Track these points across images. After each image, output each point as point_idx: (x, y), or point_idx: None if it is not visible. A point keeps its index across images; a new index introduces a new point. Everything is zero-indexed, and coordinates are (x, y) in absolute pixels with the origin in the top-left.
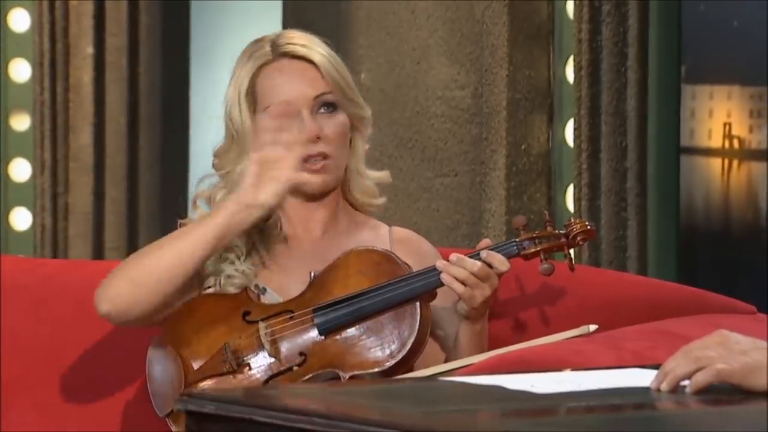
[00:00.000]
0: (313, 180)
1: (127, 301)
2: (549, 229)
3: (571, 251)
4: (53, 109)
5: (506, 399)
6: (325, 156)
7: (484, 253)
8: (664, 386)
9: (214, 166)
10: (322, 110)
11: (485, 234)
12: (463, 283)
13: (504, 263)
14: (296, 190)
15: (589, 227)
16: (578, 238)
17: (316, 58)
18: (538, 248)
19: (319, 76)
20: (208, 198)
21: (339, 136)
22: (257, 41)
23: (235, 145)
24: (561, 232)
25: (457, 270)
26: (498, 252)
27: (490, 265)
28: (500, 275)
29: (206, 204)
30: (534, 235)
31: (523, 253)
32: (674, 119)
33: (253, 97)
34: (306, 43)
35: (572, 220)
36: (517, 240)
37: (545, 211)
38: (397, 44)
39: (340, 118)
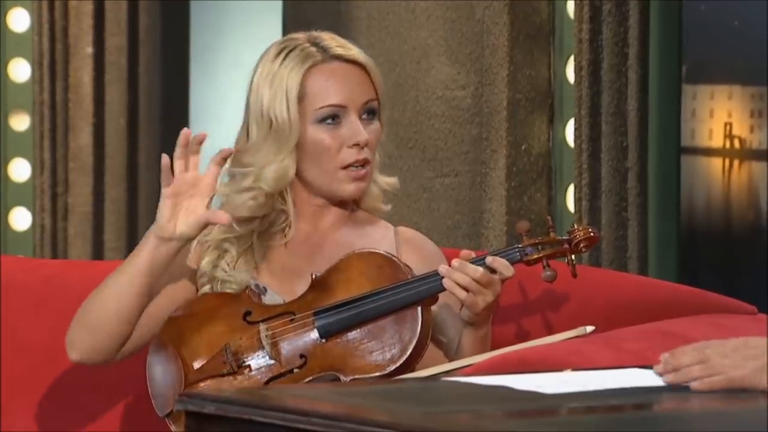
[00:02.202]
0: (351, 190)
1: (90, 348)
2: (552, 235)
3: (573, 257)
4: (53, 109)
5: (508, 399)
6: (366, 162)
7: (489, 259)
8: (671, 378)
9: (237, 161)
10: (364, 116)
11: (485, 234)
12: (465, 288)
13: (508, 268)
14: (329, 195)
15: (592, 234)
16: (581, 245)
17: (368, 62)
18: (541, 255)
19: (368, 82)
20: (224, 196)
21: (376, 143)
22: (290, 39)
23: (272, 140)
24: (564, 238)
25: (459, 276)
26: (501, 257)
27: (493, 270)
28: (504, 281)
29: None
30: (537, 242)
31: (526, 259)
32: (675, 119)
33: (301, 95)
34: (350, 46)
35: (575, 227)
36: (520, 246)
37: (549, 217)
38: (398, 44)
39: (377, 124)
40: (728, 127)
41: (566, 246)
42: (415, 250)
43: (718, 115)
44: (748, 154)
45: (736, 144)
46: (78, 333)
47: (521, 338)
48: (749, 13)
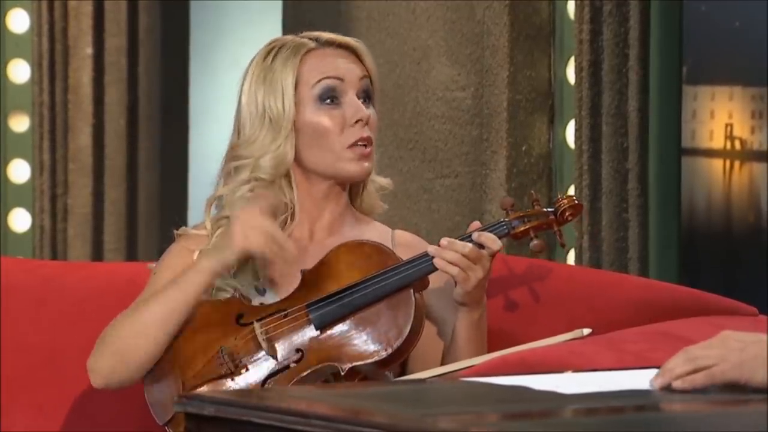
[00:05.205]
0: (358, 169)
1: (119, 376)
2: (537, 207)
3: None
4: (52, 110)
5: (508, 400)
6: (370, 141)
7: (475, 235)
8: (658, 382)
9: (235, 155)
10: (361, 99)
11: None
12: (455, 265)
13: (495, 242)
14: (335, 177)
15: (576, 202)
16: (567, 214)
17: (360, 47)
18: (528, 226)
19: (362, 64)
20: (220, 198)
21: (375, 125)
22: (279, 39)
23: (268, 130)
24: (549, 209)
25: (449, 253)
26: (488, 232)
27: (481, 245)
28: (492, 255)
29: (214, 207)
30: (522, 214)
31: (513, 232)
32: (675, 120)
33: (296, 82)
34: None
35: (559, 197)
36: (506, 220)
37: (532, 191)
38: (398, 45)
39: (374, 111)
40: (729, 128)
41: (552, 217)
42: (411, 254)
43: (718, 116)
44: (748, 155)
45: (737, 145)
46: (106, 360)
47: (521, 339)
48: (750, 13)
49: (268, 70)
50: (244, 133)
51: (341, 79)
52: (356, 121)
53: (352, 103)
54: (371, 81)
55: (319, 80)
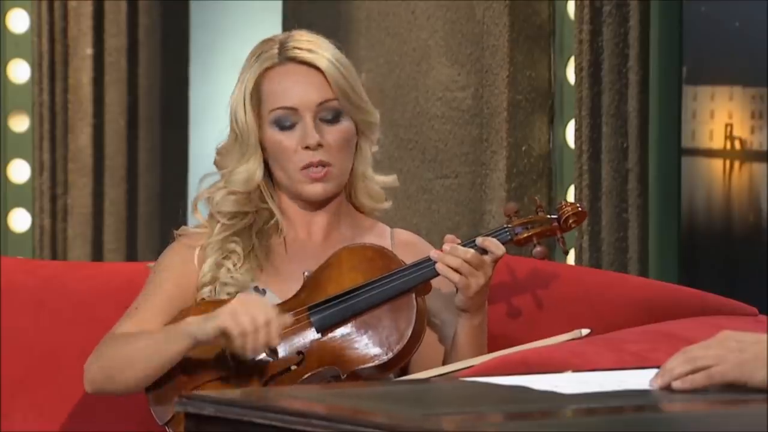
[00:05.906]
0: (313, 191)
1: (108, 389)
2: (540, 214)
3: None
4: (52, 110)
5: (509, 401)
6: (325, 164)
7: (479, 240)
8: (658, 382)
9: (215, 163)
10: (327, 118)
11: None
12: (457, 271)
13: (499, 247)
14: (298, 197)
15: (580, 209)
16: (570, 221)
17: (322, 64)
18: (531, 233)
19: (324, 83)
20: (208, 199)
21: (341, 143)
22: (266, 41)
23: (237, 144)
24: (553, 216)
25: (451, 258)
26: (491, 238)
27: (485, 251)
28: (495, 261)
29: (205, 205)
30: (526, 221)
31: (516, 238)
32: (675, 120)
33: (257, 99)
34: (313, 47)
35: (563, 204)
36: (509, 226)
37: (536, 197)
38: (398, 45)
39: (344, 125)
40: (729, 128)
41: (555, 224)
42: (411, 252)
43: (718, 116)
44: (748, 155)
45: (737, 145)
46: (95, 374)
47: (521, 339)
48: (750, 13)
49: (243, 77)
50: (228, 137)
51: (294, 109)
52: (305, 147)
53: (304, 128)
54: (340, 99)
55: (273, 110)
